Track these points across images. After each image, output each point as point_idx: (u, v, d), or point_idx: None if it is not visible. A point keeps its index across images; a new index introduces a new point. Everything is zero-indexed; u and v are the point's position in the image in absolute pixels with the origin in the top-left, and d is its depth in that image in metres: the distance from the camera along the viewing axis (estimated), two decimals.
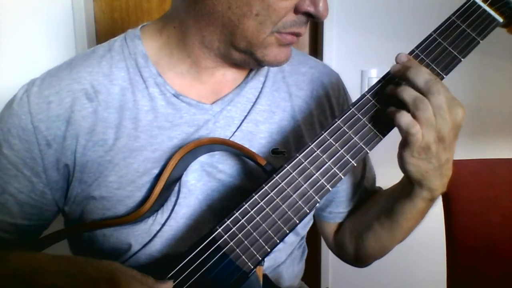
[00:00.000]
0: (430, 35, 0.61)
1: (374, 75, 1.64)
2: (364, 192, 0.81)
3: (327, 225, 0.83)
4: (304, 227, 0.77)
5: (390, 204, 0.69)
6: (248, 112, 0.69)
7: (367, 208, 0.77)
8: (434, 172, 0.59)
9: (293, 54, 0.77)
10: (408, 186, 0.63)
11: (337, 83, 0.79)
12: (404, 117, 0.55)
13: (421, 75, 0.56)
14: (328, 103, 0.76)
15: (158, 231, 0.65)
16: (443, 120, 0.55)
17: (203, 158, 0.66)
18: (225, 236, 0.57)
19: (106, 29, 1.62)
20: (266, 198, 0.58)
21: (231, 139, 0.67)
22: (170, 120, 0.66)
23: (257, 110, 0.70)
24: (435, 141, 0.56)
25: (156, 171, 0.64)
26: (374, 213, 0.73)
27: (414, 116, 0.55)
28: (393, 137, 0.60)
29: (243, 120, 0.68)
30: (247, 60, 0.65)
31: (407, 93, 0.56)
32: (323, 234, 0.85)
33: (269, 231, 0.57)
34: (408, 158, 0.58)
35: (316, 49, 1.70)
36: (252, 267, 0.57)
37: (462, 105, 0.57)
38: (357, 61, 1.66)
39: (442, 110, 0.55)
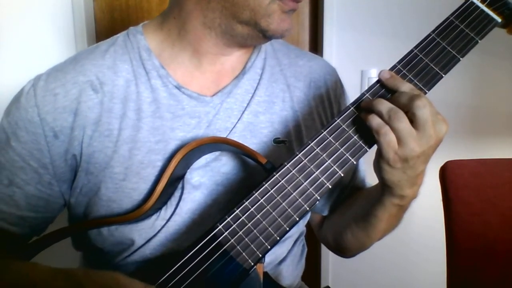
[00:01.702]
0: (429, 35, 0.61)
1: (374, 75, 1.64)
2: (351, 190, 0.81)
3: (313, 215, 0.85)
4: (304, 219, 0.78)
5: (364, 206, 0.70)
6: (248, 104, 0.70)
7: (346, 206, 0.79)
8: (407, 181, 0.59)
9: (291, 49, 0.79)
10: (381, 191, 0.63)
11: (334, 76, 0.80)
12: (376, 119, 0.56)
13: (405, 89, 0.57)
14: (326, 95, 0.77)
15: (162, 227, 0.65)
16: (427, 135, 0.55)
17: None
18: (226, 233, 0.57)
19: (106, 29, 1.62)
20: (266, 196, 0.58)
21: (232, 136, 0.68)
22: (172, 111, 0.67)
23: (256, 102, 0.71)
24: (416, 155, 0.55)
25: (160, 164, 0.65)
26: (352, 213, 0.75)
27: (389, 126, 0.55)
28: None
29: (243, 112, 0.70)
30: (251, 33, 0.66)
31: (383, 106, 0.56)
32: (311, 223, 0.87)
33: (270, 228, 0.57)
34: (383, 165, 0.58)
35: (316, 49, 1.70)
36: (252, 264, 0.57)
37: (445, 120, 0.56)
38: (357, 61, 1.66)
39: (426, 124, 0.54)
